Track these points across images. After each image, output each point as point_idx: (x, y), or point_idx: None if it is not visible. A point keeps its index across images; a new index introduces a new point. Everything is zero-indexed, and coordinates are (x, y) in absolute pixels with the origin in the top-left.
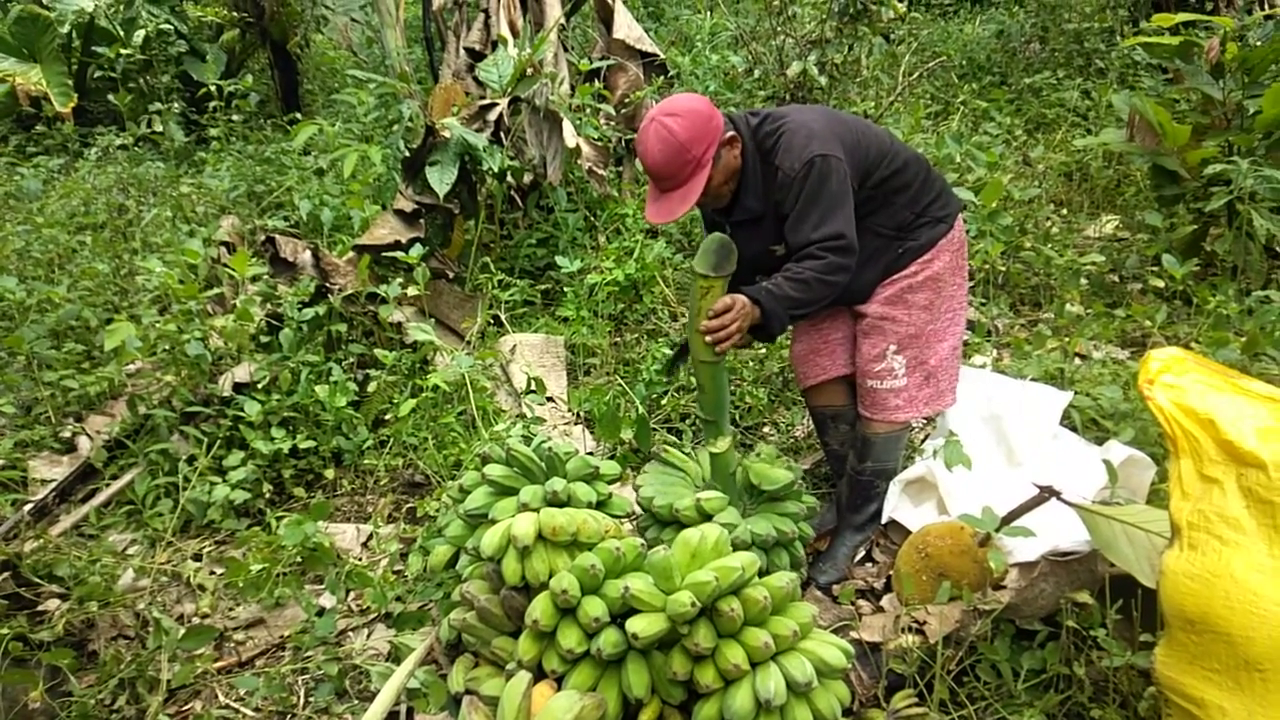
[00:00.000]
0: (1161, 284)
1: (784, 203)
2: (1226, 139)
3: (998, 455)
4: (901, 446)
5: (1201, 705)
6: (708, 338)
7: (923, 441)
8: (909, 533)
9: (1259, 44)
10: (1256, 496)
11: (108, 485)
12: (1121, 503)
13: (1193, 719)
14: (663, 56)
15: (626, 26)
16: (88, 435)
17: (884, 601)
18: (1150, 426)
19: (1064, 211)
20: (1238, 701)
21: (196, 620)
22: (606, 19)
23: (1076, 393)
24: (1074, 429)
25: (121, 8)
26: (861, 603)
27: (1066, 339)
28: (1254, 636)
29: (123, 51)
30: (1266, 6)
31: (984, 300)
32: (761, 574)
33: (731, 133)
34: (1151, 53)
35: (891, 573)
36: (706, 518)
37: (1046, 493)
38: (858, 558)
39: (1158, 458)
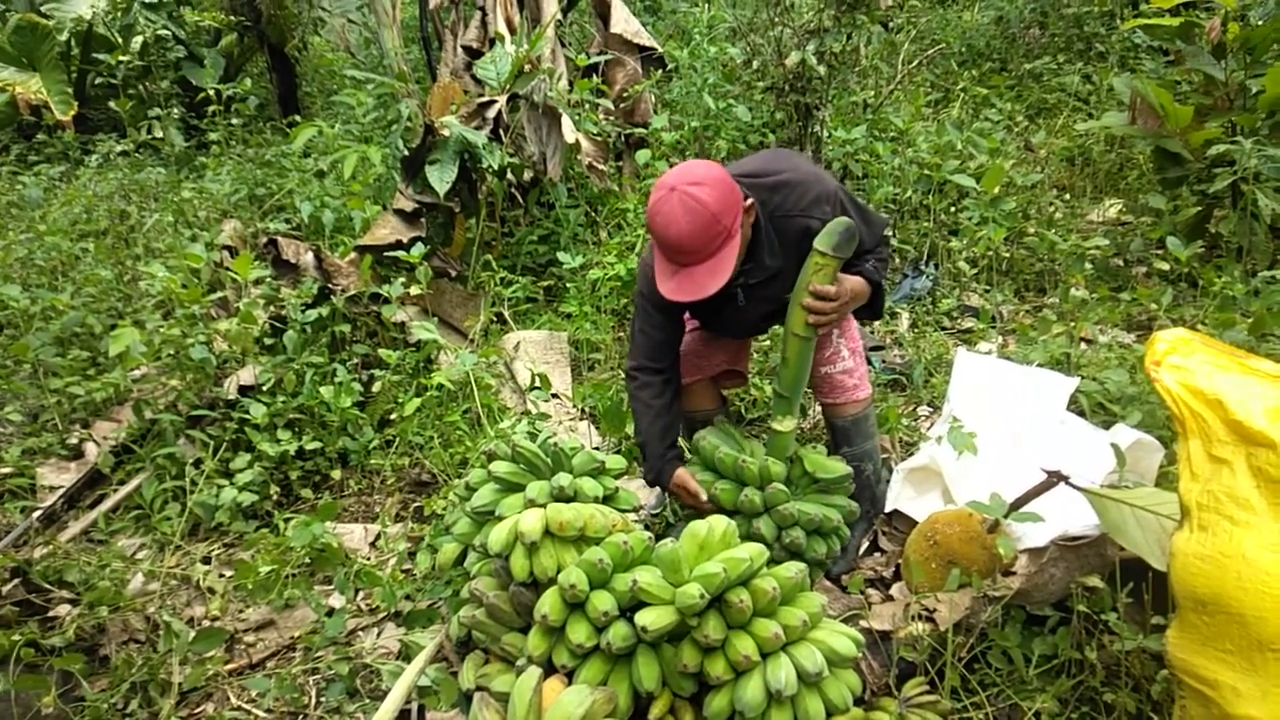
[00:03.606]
0: (1166, 267)
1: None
2: (1230, 119)
3: (1005, 441)
4: (873, 427)
5: (1215, 686)
6: (810, 317)
7: (928, 429)
8: (915, 522)
9: (1261, 23)
10: (1267, 476)
11: (115, 490)
12: (1130, 486)
13: (1206, 700)
14: (660, 50)
15: (624, 21)
16: (95, 441)
17: (893, 590)
18: (1158, 410)
19: (1067, 196)
20: (1251, 682)
21: (207, 623)
22: (604, 14)
23: (1083, 377)
24: (1081, 414)
25: (119, 14)
26: (871, 591)
27: (1072, 324)
28: (1267, 616)
29: (122, 58)
30: None
31: (988, 287)
32: (802, 557)
33: (750, 200)
34: (1152, 35)
35: (900, 561)
36: (762, 485)
37: (1055, 477)
38: (864, 547)
39: (1165, 441)
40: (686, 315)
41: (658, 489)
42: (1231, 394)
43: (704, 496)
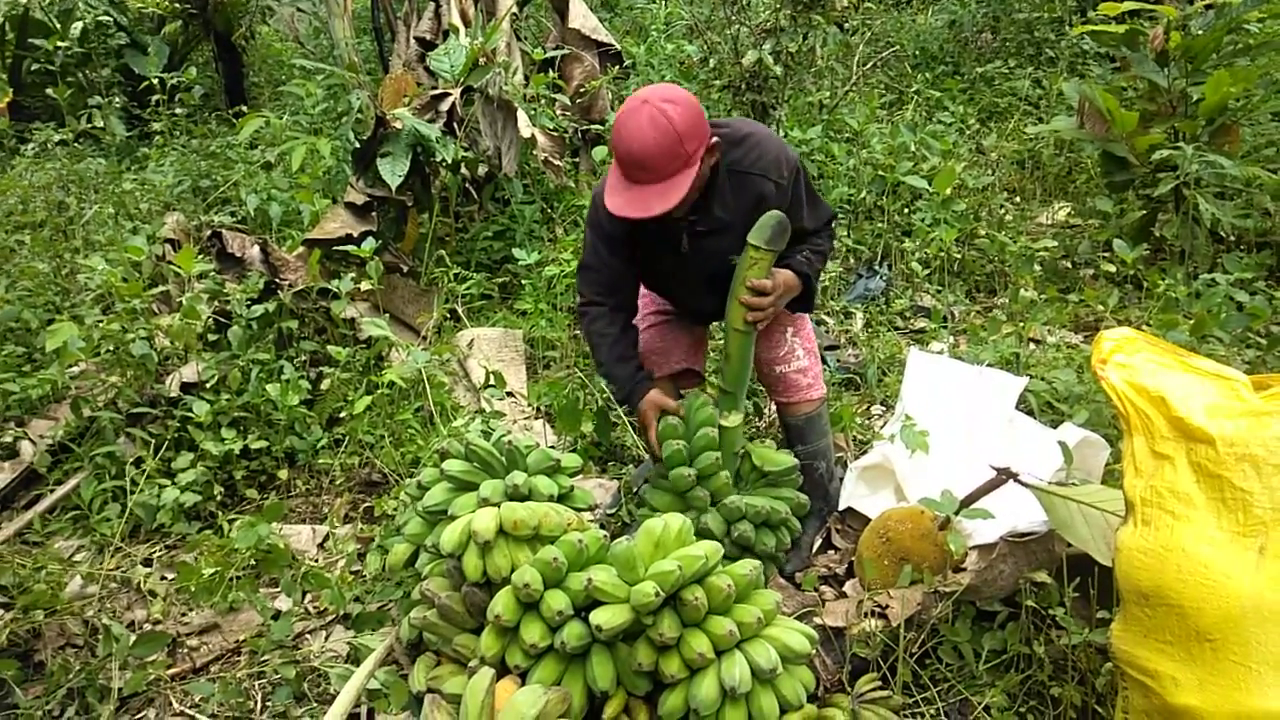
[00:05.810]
0: (1113, 269)
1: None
2: (1172, 125)
3: (955, 440)
4: (826, 425)
5: (1155, 677)
6: (749, 314)
7: (881, 428)
8: (868, 519)
9: (1200, 33)
10: (1205, 471)
11: (52, 491)
12: (1077, 483)
13: (1147, 691)
14: (618, 46)
15: (581, 16)
16: (30, 440)
17: (847, 587)
18: (1104, 408)
19: (1017, 199)
20: (1189, 672)
21: (148, 627)
22: (561, 8)
23: (1032, 377)
24: (1030, 412)
25: None
26: (824, 588)
27: (1021, 324)
28: (1204, 607)
29: (60, 44)
30: None
31: (940, 287)
32: (752, 550)
33: (716, 139)
34: (1099, 41)
35: (853, 558)
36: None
37: (1004, 475)
38: (818, 544)
39: (1111, 439)
40: (640, 277)
41: (612, 496)
42: (1174, 391)
43: (678, 413)
